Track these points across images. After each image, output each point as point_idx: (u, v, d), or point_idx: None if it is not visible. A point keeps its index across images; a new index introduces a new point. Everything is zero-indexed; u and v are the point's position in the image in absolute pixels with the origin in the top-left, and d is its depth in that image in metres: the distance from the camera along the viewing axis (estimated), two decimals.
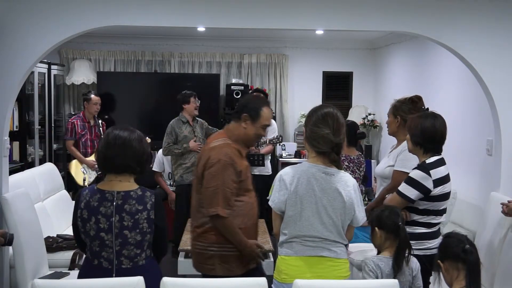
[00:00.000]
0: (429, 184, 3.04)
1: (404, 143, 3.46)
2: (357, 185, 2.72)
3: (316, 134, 2.65)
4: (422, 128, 3.11)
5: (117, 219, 2.55)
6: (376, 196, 3.70)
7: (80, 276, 2.70)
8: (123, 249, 2.57)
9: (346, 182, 2.66)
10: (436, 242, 3.12)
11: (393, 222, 2.86)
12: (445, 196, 3.13)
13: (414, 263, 2.90)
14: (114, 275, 2.57)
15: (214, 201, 2.93)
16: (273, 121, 6.10)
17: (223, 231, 2.95)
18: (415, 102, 3.54)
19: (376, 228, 2.90)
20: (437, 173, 3.07)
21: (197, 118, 5.76)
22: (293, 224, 2.66)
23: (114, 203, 2.56)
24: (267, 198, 2.77)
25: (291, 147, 7.76)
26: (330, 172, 2.65)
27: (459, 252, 2.55)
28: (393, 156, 3.53)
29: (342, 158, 4.21)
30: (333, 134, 2.63)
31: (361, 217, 2.69)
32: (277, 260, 2.75)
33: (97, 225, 2.55)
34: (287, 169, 2.75)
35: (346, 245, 2.73)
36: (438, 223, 3.17)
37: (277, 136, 5.81)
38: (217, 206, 2.91)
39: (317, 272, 2.60)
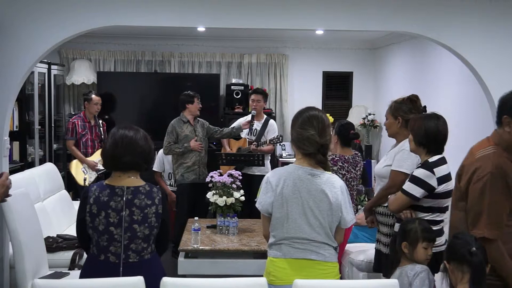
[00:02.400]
0: (433, 182, 3.09)
1: (402, 143, 3.47)
2: (345, 186, 2.71)
3: (301, 136, 2.66)
4: (426, 129, 3.14)
5: (127, 213, 2.62)
6: (374, 195, 3.71)
7: (83, 273, 2.73)
8: (131, 243, 2.63)
9: (333, 184, 2.66)
10: (441, 239, 3.18)
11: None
12: (449, 194, 3.17)
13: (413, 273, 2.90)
14: (121, 269, 2.62)
15: (480, 221, 2.62)
16: (273, 121, 6.11)
17: (489, 257, 2.57)
18: (414, 101, 3.54)
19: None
20: (441, 171, 3.12)
21: (198, 118, 5.77)
22: (281, 226, 2.67)
23: (124, 198, 2.63)
24: (255, 200, 2.78)
25: (291, 147, 7.76)
26: (316, 174, 2.66)
27: (465, 255, 2.53)
28: (391, 156, 3.53)
29: (336, 158, 4.21)
30: (319, 135, 2.64)
31: (349, 218, 2.68)
32: (266, 261, 2.76)
33: (107, 219, 2.61)
34: (273, 171, 2.78)
35: (336, 248, 2.73)
36: (442, 221, 3.21)
37: (277, 136, 5.82)
38: (483, 227, 2.61)
39: (305, 276, 2.59)
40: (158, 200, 2.69)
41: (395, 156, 3.48)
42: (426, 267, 2.91)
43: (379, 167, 3.62)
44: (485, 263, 2.56)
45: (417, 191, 3.10)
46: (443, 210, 3.20)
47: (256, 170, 5.76)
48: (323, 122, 2.68)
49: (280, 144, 7.20)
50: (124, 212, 2.62)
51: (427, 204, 3.15)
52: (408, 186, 3.14)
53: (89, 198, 2.64)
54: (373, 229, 3.81)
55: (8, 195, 3.20)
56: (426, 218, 3.13)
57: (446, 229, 3.15)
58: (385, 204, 3.44)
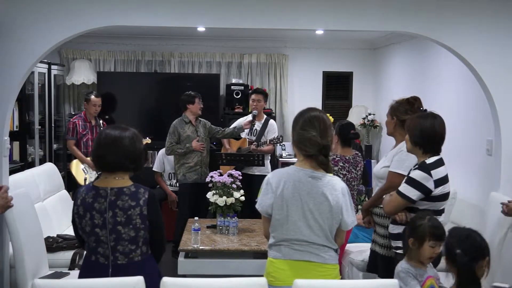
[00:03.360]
0: (430, 184, 3.04)
1: (401, 144, 3.46)
2: (347, 188, 2.70)
3: (303, 137, 2.66)
4: (422, 129, 3.10)
5: (111, 215, 2.59)
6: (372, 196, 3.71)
7: (80, 273, 2.75)
8: (118, 244, 2.61)
9: (334, 186, 2.65)
10: None
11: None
12: (445, 196, 3.13)
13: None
14: (110, 270, 2.61)
15: None
16: (273, 121, 6.11)
17: None
18: (411, 103, 3.54)
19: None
20: (438, 173, 3.07)
21: (199, 118, 5.77)
22: (280, 227, 2.67)
23: (108, 199, 2.60)
24: (255, 200, 2.77)
25: (291, 147, 7.74)
26: (317, 176, 2.65)
27: (452, 254, 2.54)
28: (390, 157, 3.53)
29: (337, 158, 4.20)
30: (320, 136, 2.63)
31: (350, 221, 2.68)
32: (266, 262, 2.76)
33: (92, 221, 2.60)
34: (274, 172, 2.77)
35: (336, 250, 2.72)
36: None
37: (277, 136, 5.82)
38: None
39: (304, 277, 2.58)
40: (143, 201, 2.62)
41: (393, 157, 3.47)
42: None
43: (377, 168, 3.62)
44: (472, 266, 2.54)
45: (413, 194, 3.05)
46: (439, 213, 3.14)
47: (256, 170, 5.76)
48: (324, 123, 2.67)
49: (280, 144, 7.20)
50: (107, 214, 2.59)
51: (423, 206, 3.09)
52: (404, 188, 3.09)
53: (77, 200, 2.65)
54: (373, 229, 3.81)
55: (9, 206, 3.23)
56: None
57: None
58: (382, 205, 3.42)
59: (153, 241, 2.71)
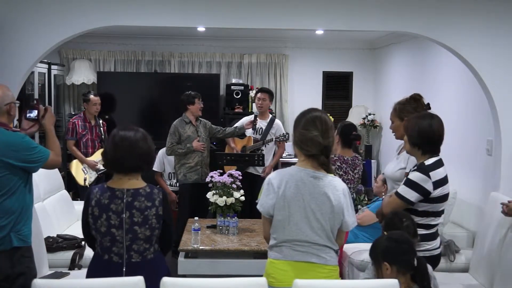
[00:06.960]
0: (429, 186, 3.02)
1: None
2: (348, 189, 2.71)
3: (304, 136, 2.66)
4: (419, 129, 3.09)
5: (127, 216, 2.64)
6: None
7: (89, 271, 2.77)
8: (133, 244, 2.66)
9: (336, 186, 2.65)
10: (435, 243, 3.12)
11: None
12: (444, 198, 3.11)
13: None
14: (124, 269, 2.66)
15: None
16: (278, 120, 6.14)
17: None
18: (417, 100, 3.51)
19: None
20: (437, 174, 3.05)
21: (200, 118, 5.77)
22: (282, 228, 2.66)
23: (124, 200, 2.65)
24: (256, 201, 2.78)
25: (291, 147, 7.74)
26: (319, 176, 2.65)
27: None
28: (404, 158, 3.48)
29: (335, 158, 4.14)
30: (322, 137, 2.63)
31: (351, 221, 2.68)
32: (266, 263, 2.76)
33: (108, 221, 2.64)
34: (275, 172, 2.76)
35: (337, 251, 2.72)
36: (437, 224, 3.16)
37: (283, 133, 5.85)
38: None
39: (305, 278, 2.57)
40: (158, 201, 2.69)
41: (408, 158, 3.43)
42: None
43: (392, 171, 3.55)
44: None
45: (411, 195, 3.03)
46: (438, 214, 3.13)
47: (260, 170, 5.78)
48: (326, 123, 2.67)
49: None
50: (124, 215, 2.64)
51: (422, 208, 3.08)
52: (403, 189, 3.07)
53: (91, 201, 2.68)
54: (373, 229, 3.81)
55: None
56: (420, 222, 3.06)
57: (444, 230, 3.13)
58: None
59: (163, 238, 2.77)
